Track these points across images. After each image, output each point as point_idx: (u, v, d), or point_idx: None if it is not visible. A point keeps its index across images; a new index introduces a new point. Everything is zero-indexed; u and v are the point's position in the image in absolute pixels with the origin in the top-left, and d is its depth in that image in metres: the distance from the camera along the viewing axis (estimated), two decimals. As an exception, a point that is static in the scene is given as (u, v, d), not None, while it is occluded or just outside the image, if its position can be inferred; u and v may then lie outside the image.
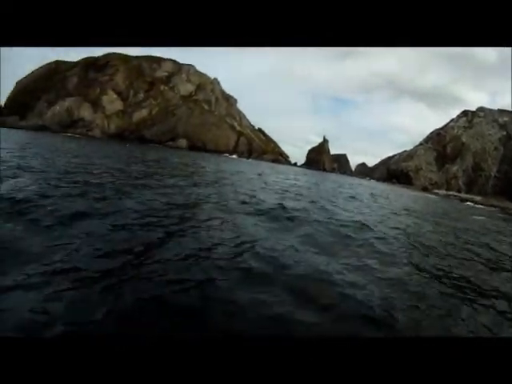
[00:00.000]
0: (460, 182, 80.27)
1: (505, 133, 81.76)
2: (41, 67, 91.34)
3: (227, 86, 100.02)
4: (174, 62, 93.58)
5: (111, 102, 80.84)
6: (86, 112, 77.39)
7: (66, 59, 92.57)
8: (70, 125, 75.31)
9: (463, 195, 72.01)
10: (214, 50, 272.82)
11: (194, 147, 76.22)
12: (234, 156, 74.39)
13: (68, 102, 77.66)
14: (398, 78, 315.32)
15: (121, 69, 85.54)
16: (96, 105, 79.23)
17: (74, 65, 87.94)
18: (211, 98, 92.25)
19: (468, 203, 53.94)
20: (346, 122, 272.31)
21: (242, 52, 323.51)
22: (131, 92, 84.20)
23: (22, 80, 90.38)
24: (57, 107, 77.51)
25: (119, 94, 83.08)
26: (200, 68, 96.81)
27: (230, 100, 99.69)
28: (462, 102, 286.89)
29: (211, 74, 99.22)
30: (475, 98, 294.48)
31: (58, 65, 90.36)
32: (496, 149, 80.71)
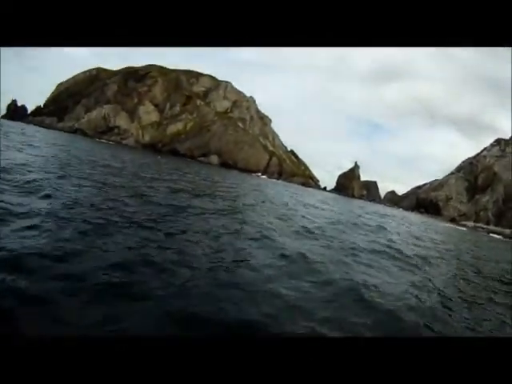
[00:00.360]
0: (489, 214, 78.40)
1: None
2: (83, 72, 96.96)
3: (263, 105, 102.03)
4: (212, 77, 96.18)
5: (147, 113, 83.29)
6: (122, 120, 80.00)
7: (106, 66, 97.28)
8: (105, 131, 78.25)
9: (491, 227, 69.93)
10: (252, 68, 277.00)
11: (225, 164, 77.10)
12: (264, 176, 74.92)
13: (105, 109, 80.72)
14: (432, 102, 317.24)
15: (159, 81, 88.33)
16: (132, 114, 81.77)
17: (114, 73, 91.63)
18: (246, 116, 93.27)
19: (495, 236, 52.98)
20: (378, 148, 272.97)
21: (280, 71, 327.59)
22: (168, 104, 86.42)
23: (63, 83, 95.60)
24: (94, 113, 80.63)
25: (156, 105, 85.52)
26: (237, 85, 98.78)
27: (264, 119, 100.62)
28: (495, 129, 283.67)
29: (248, 92, 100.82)
30: (509, 127, 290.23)
31: (99, 72, 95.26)
32: None
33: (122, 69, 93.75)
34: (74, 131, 74.92)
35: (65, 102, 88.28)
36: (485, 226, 73.01)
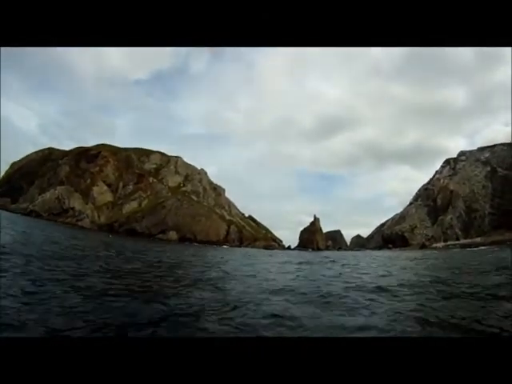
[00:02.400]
0: (456, 230, 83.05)
1: (489, 168, 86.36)
2: (35, 152, 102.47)
3: (215, 176, 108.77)
4: (162, 153, 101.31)
5: (101, 194, 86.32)
6: (76, 202, 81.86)
7: (58, 147, 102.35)
8: (60, 213, 79.72)
9: (462, 242, 73.75)
10: (200, 141, 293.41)
11: (184, 239, 79.09)
12: (225, 246, 76.71)
13: (59, 191, 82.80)
14: (377, 144, 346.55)
15: (111, 160, 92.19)
16: (86, 195, 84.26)
17: (66, 153, 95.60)
18: (199, 188, 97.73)
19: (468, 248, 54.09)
20: (335, 198, 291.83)
21: (228, 141, 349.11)
22: (121, 184, 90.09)
23: (16, 162, 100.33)
24: (47, 194, 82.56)
25: (109, 185, 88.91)
26: (187, 159, 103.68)
27: (217, 190, 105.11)
28: (443, 152, 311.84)
29: (198, 165, 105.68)
30: (455, 145, 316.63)
31: (51, 152, 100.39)
32: (484, 187, 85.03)
33: (74, 149, 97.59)
34: (29, 213, 76.22)
35: (18, 182, 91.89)
36: (455, 242, 76.54)
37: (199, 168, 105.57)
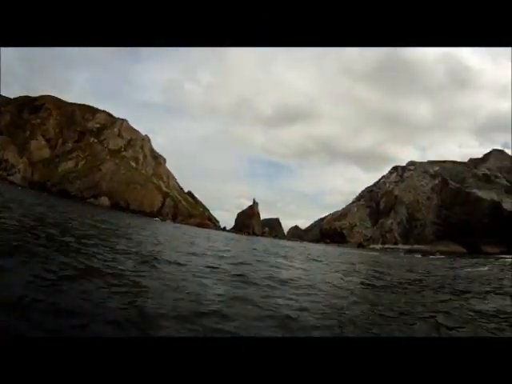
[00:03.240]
0: (396, 235, 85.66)
1: (437, 181, 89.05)
2: None
3: (160, 146, 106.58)
4: (109, 114, 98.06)
5: (38, 149, 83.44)
6: (10, 154, 78.56)
7: (6, 94, 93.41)
8: None
9: (406, 246, 76.95)
10: (154, 109, 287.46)
11: (116, 206, 77.07)
12: (157, 219, 74.85)
13: None
14: (332, 141, 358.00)
15: (54, 114, 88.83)
16: (23, 149, 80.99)
17: (9, 101, 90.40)
18: (139, 155, 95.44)
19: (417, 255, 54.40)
20: (281, 187, 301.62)
21: (183, 114, 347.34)
22: (60, 140, 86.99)
23: None
24: None
25: (48, 140, 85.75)
26: (136, 124, 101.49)
27: (158, 159, 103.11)
28: (393, 160, 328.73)
29: (145, 131, 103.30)
30: (406, 156, 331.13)
31: None
32: (429, 198, 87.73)
33: (18, 97, 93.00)
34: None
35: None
36: (393, 246, 79.55)
37: (144, 134, 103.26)
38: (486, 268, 23.96)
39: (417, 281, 15.41)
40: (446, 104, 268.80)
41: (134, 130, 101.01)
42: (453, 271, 21.90)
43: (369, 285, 13.06)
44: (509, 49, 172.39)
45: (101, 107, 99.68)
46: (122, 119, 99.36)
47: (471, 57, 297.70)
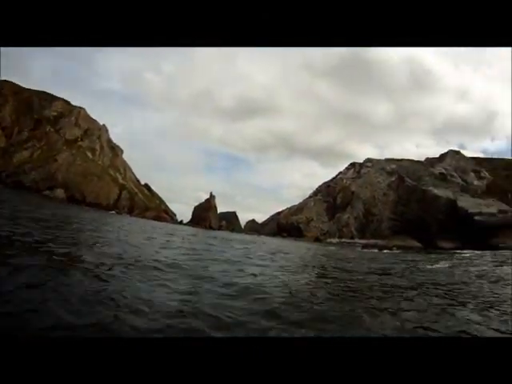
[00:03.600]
0: (352, 229, 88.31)
1: (393, 179, 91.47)
2: None
3: (118, 136, 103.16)
4: (67, 102, 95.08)
5: None
6: None
7: None
8: None
9: (364, 241, 76.86)
10: (113, 97, 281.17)
11: (72, 199, 75.90)
12: (113, 212, 74.17)
13: None
14: (292, 136, 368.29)
15: (10, 100, 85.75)
16: None
17: None
18: (96, 145, 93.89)
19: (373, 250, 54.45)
20: (239, 181, 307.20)
21: (141, 103, 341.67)
22: (16, 129, 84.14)
23: None
24: None
25: (4, 128, 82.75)
26: (94, 113, 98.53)
27: (115, 150, 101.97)
28: (351, 157, 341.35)
29: (103, 121, 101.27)
30: (364, 153, 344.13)
31: None
32: (385, 194, 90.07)
33: None
34: None
35: None
36: (349, 241, 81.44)
37: (101, 124, 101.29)
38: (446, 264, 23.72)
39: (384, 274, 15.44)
40: (405, 105, 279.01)
41: (92, 119, 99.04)
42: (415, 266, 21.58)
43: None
44: (468, 53, 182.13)
45: (59, 95, 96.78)
46: (80, 108, 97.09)
47: (433, 60, 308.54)
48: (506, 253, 37.79)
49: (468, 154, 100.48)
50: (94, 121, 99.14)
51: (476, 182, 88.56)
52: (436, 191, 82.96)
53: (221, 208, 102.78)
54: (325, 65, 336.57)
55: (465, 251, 46.86)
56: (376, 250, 54.63)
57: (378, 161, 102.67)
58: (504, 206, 73.84)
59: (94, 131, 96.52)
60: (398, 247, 64.47)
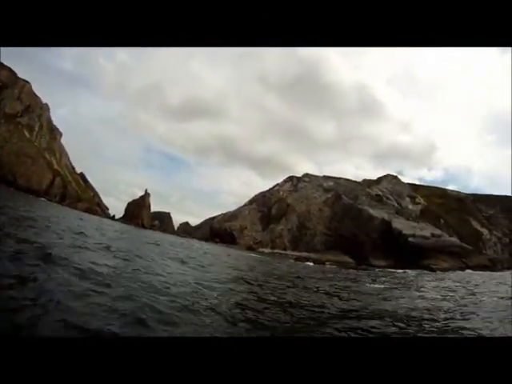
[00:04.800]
0: (285, 241, 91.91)
1: (329, 195, 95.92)
2: None
3: (59, 118, 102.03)
4: (13, 72, 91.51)
5: None
6: None
7: None
8: None
9: (295, 253, 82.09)
10: (60, 76, 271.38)
11: (3, 179, 73.98)
12: (43, 199, 72.89)
13: None
14: (234, 144, 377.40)
15: None
16: None
17: None
18: (36, 124, 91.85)
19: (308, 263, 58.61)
20: (175, 181, 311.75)
21: (88, 87, 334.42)
22: None
23: None
24: None
25: None
26: (38, 89, 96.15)
27: (54, 132, 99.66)
28: (290, 170, 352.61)
29: (46, 99, 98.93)
30: (303, 168, 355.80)
31: None
32: (320, 210, 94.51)
33: None
34: None
35: None
36: (282, 252, 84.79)
37: (44, 102, 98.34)
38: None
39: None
40: (350, 128, 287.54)
41: (35, 95, 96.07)
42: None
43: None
44: (416, 85, 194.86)
45: (7, 63, 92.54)
46: (25, 81, 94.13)
47: (382, 90, 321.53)
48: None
49: (405, 180, 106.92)
50: (37, 97, 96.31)
51: (411, 207, 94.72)
52: (371, 211, 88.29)
53: (155, 207, 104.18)
54: (279, 79, 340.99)
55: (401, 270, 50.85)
56: (311, 264, 59.55)
57: (316, 177, 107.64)
58: (437, 231, 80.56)
59: (36, 109, 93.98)
60: (331, 262, 69.30)
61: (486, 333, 7.15)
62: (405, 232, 77.16)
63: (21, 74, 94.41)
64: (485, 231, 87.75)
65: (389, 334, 6.36)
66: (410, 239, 74.98)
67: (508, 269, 60.16)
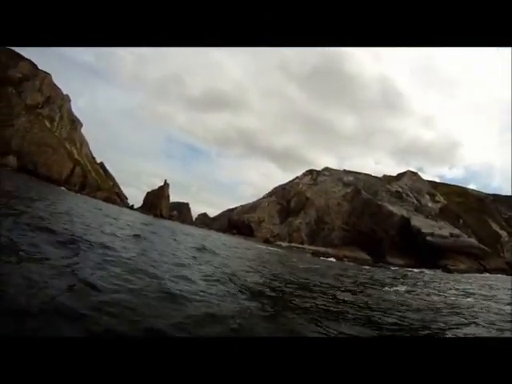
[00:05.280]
0: (303, 235, 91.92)
1: (349, 190, 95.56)
2: None
3: (79, 109, 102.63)
4: (33, 64, 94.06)
5: None
6: None
7: None
8: None
9: (312, 247, 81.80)
10: (81, 68, 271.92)
11: (24, 168, 76.22)
12: (63, 188, 74.67)
13: None
14: (255, 136, 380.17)
15: None
16: None
17: None
18: (56, 115, 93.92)
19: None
20: (194, 171, 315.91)
21: (108, 78, 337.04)
22: None
23: None
24: None
25: None
26: (58, 81, 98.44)
27: (75, 123, 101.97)
28: (310, 163, 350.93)
29: (67, 91, 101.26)
30: (323, 162, 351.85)
31: None
32: (339, 204, 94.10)
33: None
34: None
35: None
36: (299, 246, 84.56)
37: (65, 93, 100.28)
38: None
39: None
40: (371, 122, 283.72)
41: (56, 86, 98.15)
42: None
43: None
44: (439, 81, 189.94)
45: (27, 55, 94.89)
46: (46, 73, 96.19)
47: (406, 84, 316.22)
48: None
49: (425, 177, 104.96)
50: (58, 89, 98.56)
51: (430, 204, 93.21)
52: (391, 208, 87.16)
53: (174, 197, 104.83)
54: (299, 70, 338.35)
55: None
56: (333, 260, 59.26)
57: (336, 171, 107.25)
58: (455, 230, 79.22)
59: (57, 100, 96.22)
60: (348, 258, 69.28)
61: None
62: (423, 230, 75.94)
63: (41, 66, 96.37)
64: (503, 233, 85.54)
65: (389, 334, 6.40)
66: (429, 238, 73.66)
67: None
